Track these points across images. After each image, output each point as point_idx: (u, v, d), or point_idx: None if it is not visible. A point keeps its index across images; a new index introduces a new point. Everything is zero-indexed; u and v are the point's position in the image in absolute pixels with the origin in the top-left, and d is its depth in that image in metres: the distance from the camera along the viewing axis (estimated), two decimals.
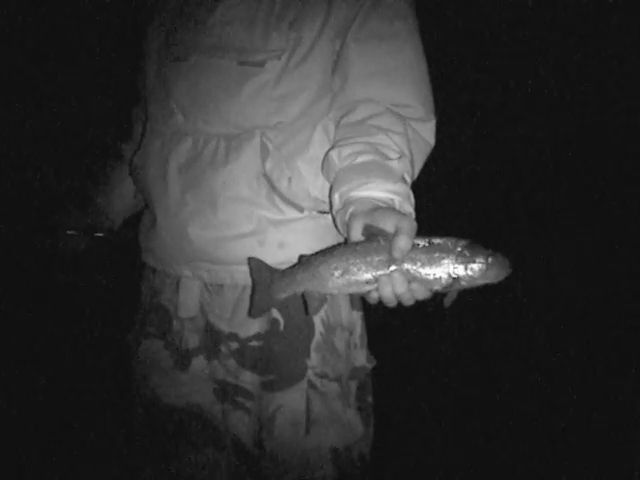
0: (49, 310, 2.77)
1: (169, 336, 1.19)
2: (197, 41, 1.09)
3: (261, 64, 1.04)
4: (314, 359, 1.11)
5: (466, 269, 0.81)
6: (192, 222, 1.07)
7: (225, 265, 1.09)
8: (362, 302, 1.17)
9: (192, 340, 1.16)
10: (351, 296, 1.14)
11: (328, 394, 1.12)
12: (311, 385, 1.11)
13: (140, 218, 1.26)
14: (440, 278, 0.81)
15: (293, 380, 1.11)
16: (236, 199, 1.06)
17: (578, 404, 2.40)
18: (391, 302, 0.83)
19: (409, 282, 0.81)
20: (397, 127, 1.00)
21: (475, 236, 0.84)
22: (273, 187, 1.05)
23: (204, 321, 1.14)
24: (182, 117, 1.10)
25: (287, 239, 1.06)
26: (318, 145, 1.07)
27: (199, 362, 1.17)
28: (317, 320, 1.11)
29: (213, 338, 1.13)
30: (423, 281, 0.81)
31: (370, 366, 1.18)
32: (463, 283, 0.82)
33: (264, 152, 1.04)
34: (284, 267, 1.04)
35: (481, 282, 0.82)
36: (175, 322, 1.17)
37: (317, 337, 1.11)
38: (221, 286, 1.12)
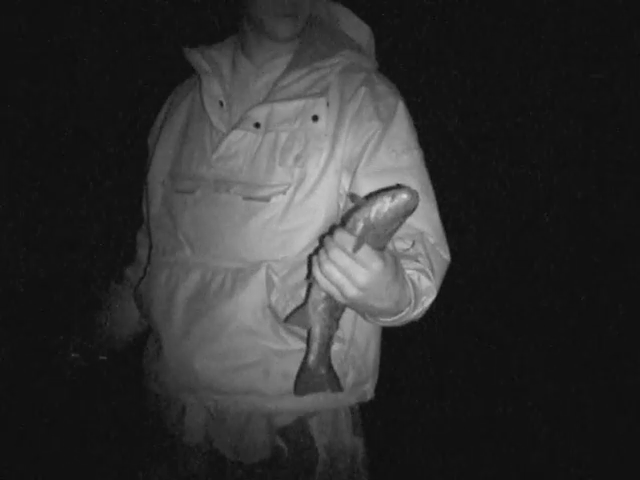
0: (49, 433, 2.70)
1: (173, 462, 1.17)
2: (202, 174, 1.12)
3: (266, 199, 1.07)
4: None
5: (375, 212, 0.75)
6: (197, 353, 1.08)
7: (230, 394, 1.09)
8: (363, 427, 1.18)
9: (197, 466, 1.15)
10: (352, 416, 1.15)
11: None
12: None
13: (144, 341, 1.26)
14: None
15: None
16: (241, 330, 1.07)
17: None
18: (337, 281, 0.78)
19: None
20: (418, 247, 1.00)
21: None
22: (277, 318, 1.07)
23: (208, 447, 1.13)
24: (190, 250, 1.12)
25: (291, 369, 1.06)
26: None
27: None
28: (321, 448, 1.11)
29: (218, 465, 1.13)
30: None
31: None
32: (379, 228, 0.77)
33: (269, 285, 1.06)
34: (289, 398, 1.05)
35: (392, 215, 0.76)
36: (180, 448, 1.16)
37: (320, 465, 1.10)
38: (226, 414, 1.11)
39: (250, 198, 1.08)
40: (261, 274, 1.06)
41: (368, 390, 1.15)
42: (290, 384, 1.05)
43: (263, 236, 1.07)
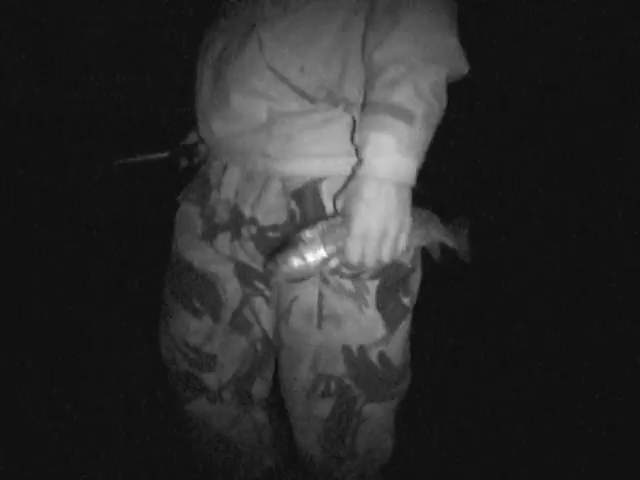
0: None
1: (205, 207, 1.23)
2: None
3: None
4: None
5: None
6: (214, 117, 1.12)
7: (247, 155, 1.13)
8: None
9: (223, 216, 1.19)
10: None
11: (342, 291, 1.09)
12: (324, 280, 1.09)
13: None
14: None
15: None
16: (247, 92, 1.07)
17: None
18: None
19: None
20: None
21: None
22: (282, 78, 1.06)
23: (234, 202, 1.19)
24: (224, 18, 1.16)
25: (293, 131, 1.06)
26: (332, 37, 1.01)
27: (224, 238, 1.20)
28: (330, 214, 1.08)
29: (237, 220, 1.18)
30: None
31: (410, 265, 1.13)
32: None
33: (262, 44, 1.05)
34: (295, 161, 1.09)
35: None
36: (213, 196, 1.23)
37: None
38: (252, 174, 1.16)
39: None
40: (253, 34, 1.06)
41: None
42: (292, 147, 1.07)
43: None
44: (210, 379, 1.34)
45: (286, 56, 1.03)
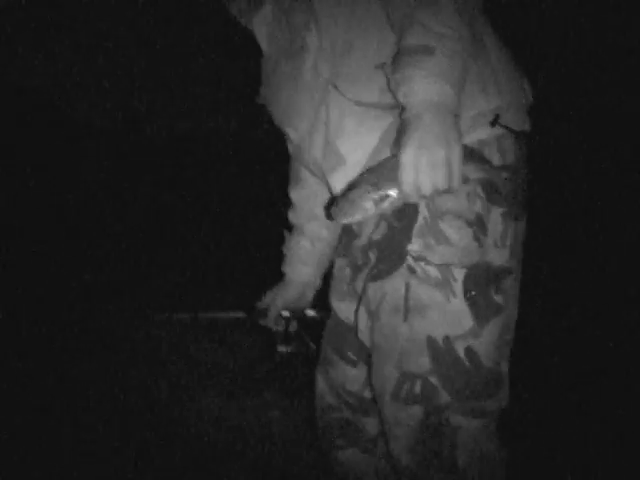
0: None
1: (349, 255, 1.27)
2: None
3: None
4: (415, 244, 1.07)
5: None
6: (336, 180, 1.15)
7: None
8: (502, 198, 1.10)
9: (361, 258, 1.21)
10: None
11: (428, 280, 1.06)
12: (410, 270, 1.07)
13: None
14: None
15: (395, 266, 1.09)
16: (350, 136, 1.11)
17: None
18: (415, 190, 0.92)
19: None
20: None
21: None
22: (371, 105, 1.08)
23: (367, 240, 1.18)
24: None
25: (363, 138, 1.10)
26: (389, 47, 1.02)
27: (361, 279, 1.20)
28: (422, 204, 1.07)
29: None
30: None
31: (506, 264, 1.09)
32: None
33: (339, 89, 1.08)
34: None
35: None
36: (354, 244, 1.23)
37: (420, 221, 1.07)
38: None
39: None
40: (325, 85, 1.11)
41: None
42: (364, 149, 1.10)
43: None
44: (369, 424, 1.33)
45: (363, 86, 1.06)
